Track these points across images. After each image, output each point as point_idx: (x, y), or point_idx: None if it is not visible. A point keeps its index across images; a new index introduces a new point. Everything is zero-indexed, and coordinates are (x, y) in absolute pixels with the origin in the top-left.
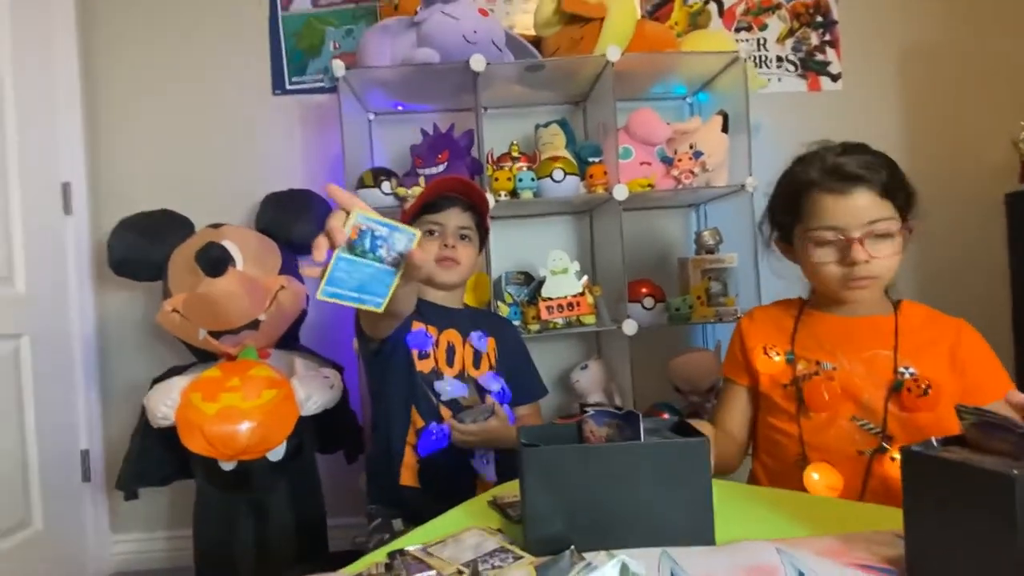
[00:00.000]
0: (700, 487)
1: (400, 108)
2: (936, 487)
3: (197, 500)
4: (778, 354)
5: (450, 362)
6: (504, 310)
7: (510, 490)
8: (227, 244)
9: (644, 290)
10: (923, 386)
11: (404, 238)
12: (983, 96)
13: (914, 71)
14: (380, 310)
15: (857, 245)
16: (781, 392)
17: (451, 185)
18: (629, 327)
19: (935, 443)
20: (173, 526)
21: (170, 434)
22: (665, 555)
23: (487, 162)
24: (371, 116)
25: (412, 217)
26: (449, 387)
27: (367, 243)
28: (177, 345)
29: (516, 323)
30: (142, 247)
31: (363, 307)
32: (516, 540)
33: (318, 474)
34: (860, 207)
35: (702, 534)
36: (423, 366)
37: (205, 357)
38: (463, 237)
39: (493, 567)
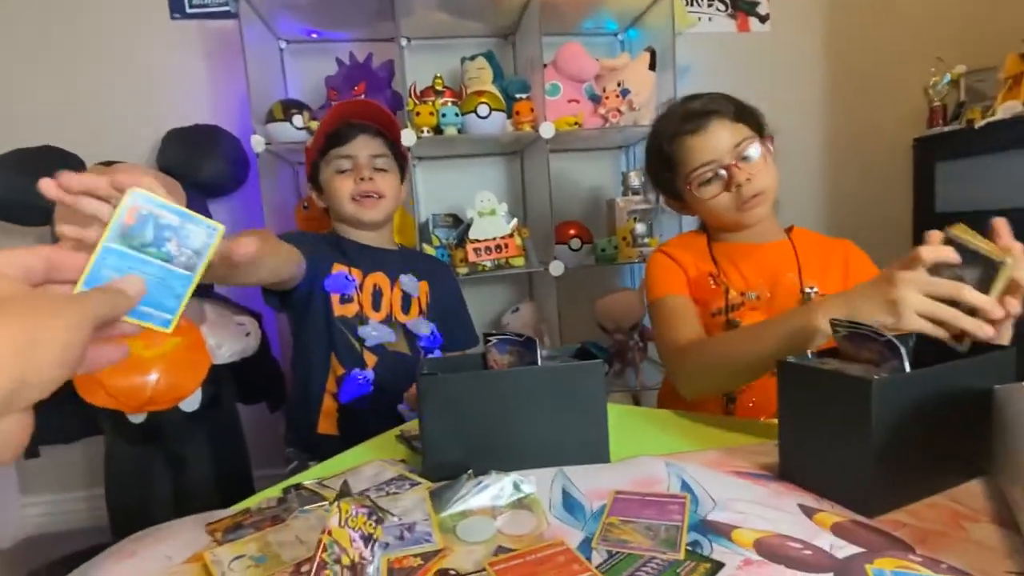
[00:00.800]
0: (596, 408)
1: (314, 36)
2: (807, 394)
3: (107, 456)
4: (715, 283)
5: (376, 306)
6: (431, 252)
7: (414, 427)
8: None
9: (572, 232)
10: None
11: (202, 233)
12: (901, 43)
13: (838, 16)
14: (168, 331)
15: (734, 168)
16: (711, 320)
17: (353, 109)
18: (556, 268)
19: (809, 355)
20: (89, 485)
21: (66, 392)
22: (560, 473)
23: (409, 96)
24: (282, 44)
25: (317, 153)
26: (375, 332)
27: (149, 233)
28: None
29: None
30: (22, 187)
31: (143, 324)
32: (417, 469)
33: (240, 425)
34: (721, 136)
35: (598, 453)
36: (345, 310)
37: None
38: (379, 168)
39: (388, 494)
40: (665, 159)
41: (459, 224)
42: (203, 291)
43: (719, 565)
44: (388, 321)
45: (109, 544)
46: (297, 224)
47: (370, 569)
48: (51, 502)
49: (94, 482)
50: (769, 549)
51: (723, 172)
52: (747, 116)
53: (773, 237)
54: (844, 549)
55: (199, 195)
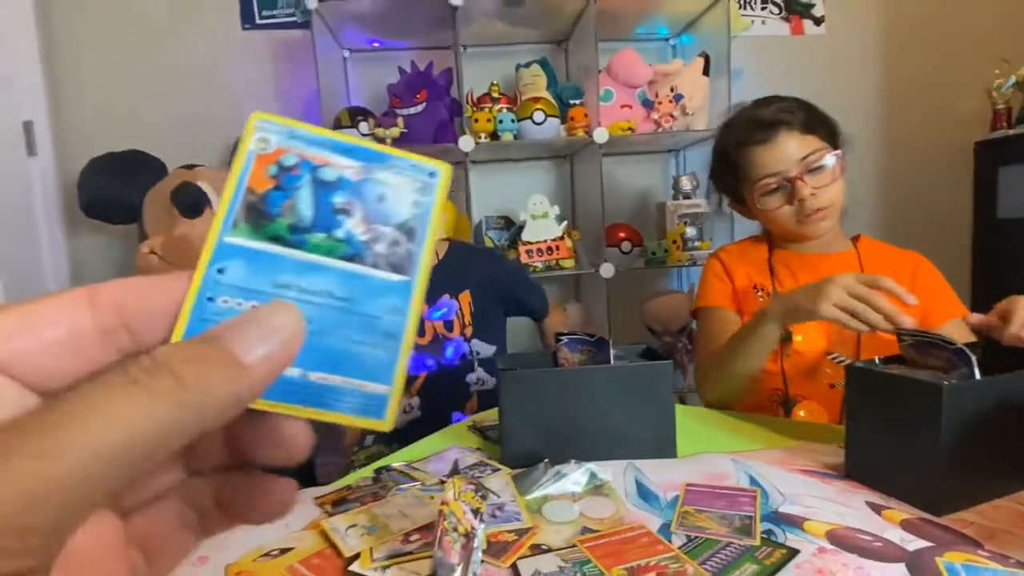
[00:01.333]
0: (664, 406)
1: (376, 45)
2: (875, 398)
3: None
4: (765, 294)
5: (420, 331)
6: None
7: (489, 416)
8: (202, 185)
9: (622, 234)
10: None
11: (412, 183)
12: (961, 45)
13: (896, 18)
14: (384, 422)
15: (799, 182)
16: None
17: None
18: (607, 270)
19: (877, 361)
20: None
21: None
22: (631, 465)
23: (467, 103)
24: (346, 53)
25: None
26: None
27: (306, 200)
28: None
29: None
30: (114, 187)
31: (322, 415)
32: (494, 457)
33: None
34: (788, 147)
35: (665, 448)
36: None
37: None
38: None
39: (474, 477)
40: (731, 165)
41: (511, 226)
42: None
43: (795, 552)
44: (435, 340)
45: None
46: None
47: (477, 540)
48: None
49: None
50: (841, 539)
51: (787, 184)
52: (818, 126)
53: (837, 247)
54: (914, 543)
55: None
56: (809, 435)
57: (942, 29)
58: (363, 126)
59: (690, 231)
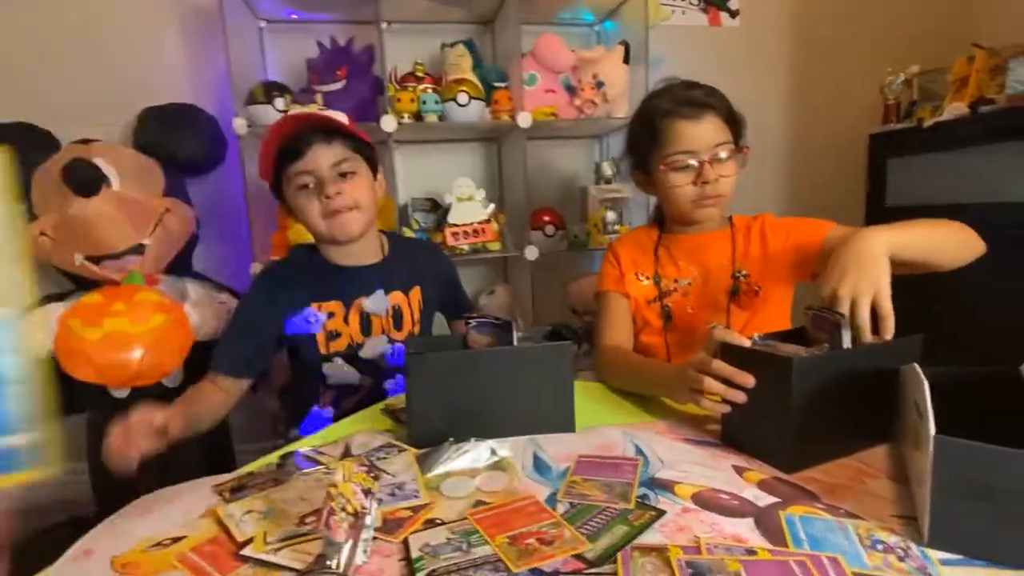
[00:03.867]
0: (564, 384)
1: (294, 17)
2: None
3: (90, 433)
4: (646, 278)
5: (366, 331)
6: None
7: (401, 400)
8: (99, 162)
9: (546, 218)
10: (755, 287)
11: None
12: (860, 44)
13: (803, 16)
14: (50, 469)
15: (707, 166)
16: (648, 309)
17: (295, 124)
18: (531, 253)
19: (757, 338)
20: (66, 460)
21: (49, 369)
22: (531, 441)
23: (389, 81)
24: (262, 24)
25: (273, 172)
26: (335, 372)
27: None
28: (52, 272)
29: None
30: None
31: None
32: (402, 438)
33: None
34: (709, 131)
35: (564, 424)
36: (337, 346)
37: (85, 285)
38: (344, 174)
39: (379, 459)
40: (651, 132)
41: (437, 208)
42: (184, 269)
43: (662, 512)
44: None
45: (92, 515)
46: (278, 211)
47: (368, 519)
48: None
49: (71, 457)
50: (704, 500)
51: (696, 165)
52: (734, 121)
53: (715, 227)
54: (764, 499)
55: (176, 174)
56: (694, 409)
57: (843, 29)
58: (279, 102)
59: (610, 215)
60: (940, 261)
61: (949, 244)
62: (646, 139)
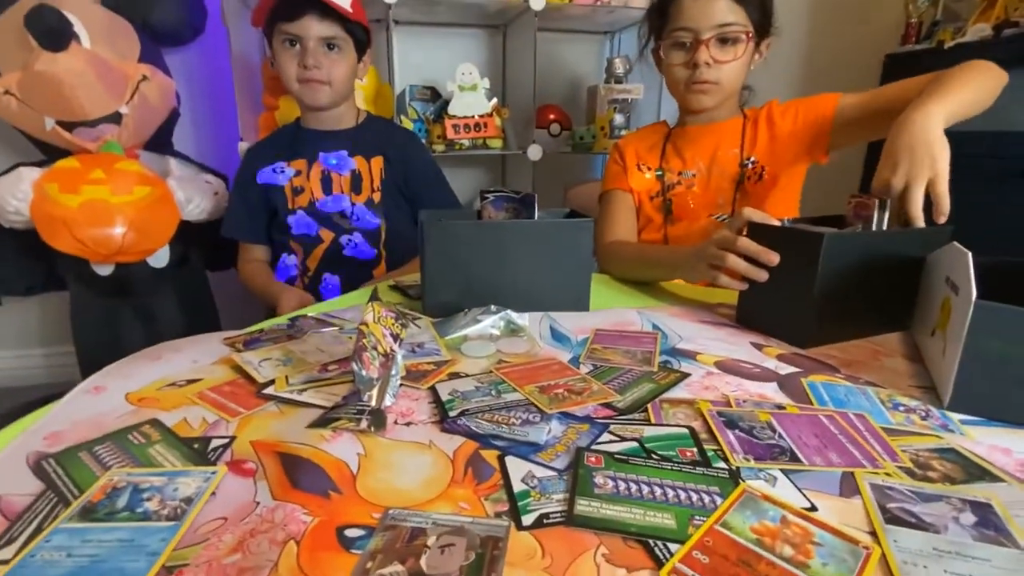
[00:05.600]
0: (582, 262)
1: None
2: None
3: (74, 308)
4: (649, 170)
5: (327, 189)
6: (408, 126)
7: (410, 276)
8: (66, 13)
9: (552, 116)
10: (758, 171)
11: (195, 481)
12: None
13: None
14: None
15: (702, 47)
16: (650, 204)
17: None
18: (534, 152)
19: (786, 221)
20: (48, 343)
21: (26, 239)
22: (546, 316)
23: None
24: None
25: (266, 25)
26: (296, 222)
27: (123, 501)
28: (19, 140)
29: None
30: None
31: None
32: (416, 310)
33: (208, 287)
34: (715, 9)
35: (579, 302)
36: (300, 201)
37: (57, 155)
38: (330, 47)
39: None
40: (661, 6)
41: (437, 98)
42: (165, 147)
43: (686, 374)
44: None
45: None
46: (264, 83)
47: (398, 358)
48: (11, 357)
49: (51, 340)
50: (727, 367)
51: (693, 44)
52: (756, 6)
53: (726, 117)
54: (786, 369)
55: (151, 42)
56: (700, 296)
57: None
58: None
59: (619, 118)
60: (981, 110)
61: (985, 91)
62: (658, 13)
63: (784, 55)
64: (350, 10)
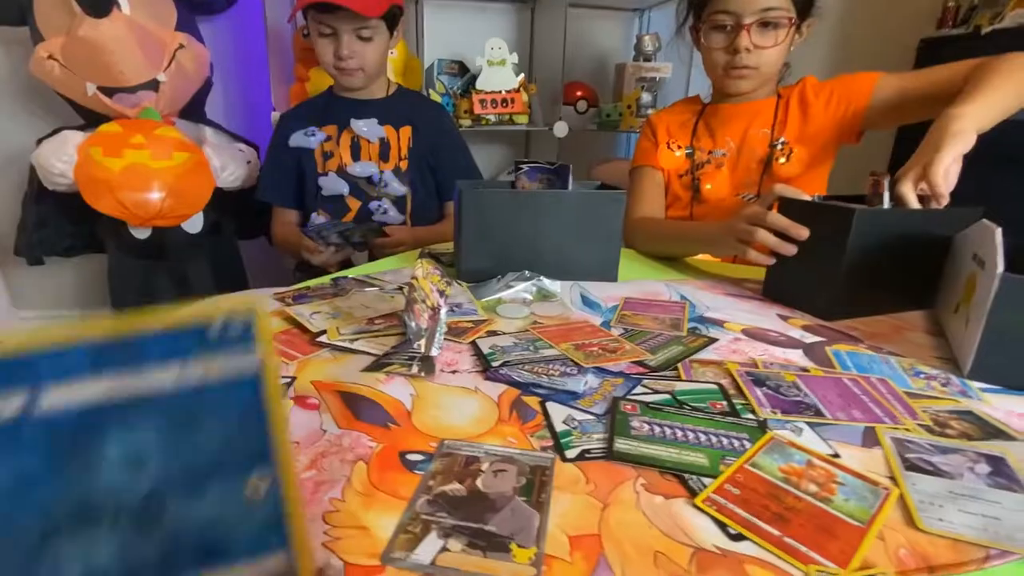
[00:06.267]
0: (612, 233)
1: None
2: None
3: (112, 269)
4: (679, 148)
5: (356, 156)
6: (436, 99)
7: (442, 244)
8: None
9: (579, 93)
10: (786, 152)
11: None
12: None
13: None
14: None
15: (744, 32)
16: (678, 182)
17: None
18: (560, 129)
19: (816, 198)
20: (81, 304)
21: (69, 201)
22: (576, 284)
23: None
24: None
25: (302, 9)
26: (328, 184)
27: None
28: (60, 105)
29: None
30: None
31: None
32: (449, 275)
33: (240, 255)
34: None
35: (608, 272)
36: (330, 165)
37: (97, 121)
38: (362, 38)
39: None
40: None
41: (465, 73)
42: (199, 116)
43: (714, 339)
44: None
45: None
46: (295, 54)
47: (443, 313)
48: (43, 317)
49: (84, 301)
50: (754, 334)
51: (730, 28)
52: None
53: (762, 97)
54: (810, 338)
55: (187, 10)
56: (727, 271)
57: None
58: None
59: (646, 97)
60: (1017, 109)
61: (1021, 92)
62: None
63: (818, 38)
64: (384, 6)
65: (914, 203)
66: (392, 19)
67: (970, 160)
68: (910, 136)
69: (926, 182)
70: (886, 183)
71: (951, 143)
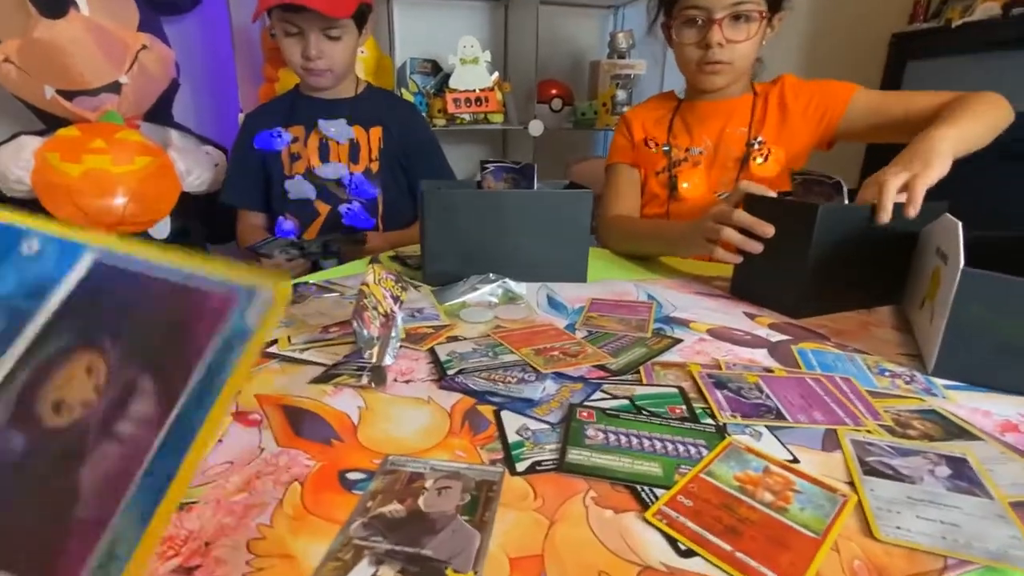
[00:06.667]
0: (580, 233)
1: None
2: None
3: None
4: (656, 145)
5: (324, 158)
6: (408, 99)
7: (410, 247)
8: None
9: (554, 91)
10: (764, 153)
11: None
12: None
13: None
14: None
15: (716, 27)
16: (655, 180)
17: None
18: (535, 128)
19: (774, 194)
20: None
21: (28, 209)
22: (544, 285)
23: None
24: None
25: (268, 7)
26: (294, 187)
27: None
28: (19, 109)
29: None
30: None
31: None
32: (416, 279)
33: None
34: None
35: (576, 273)
36: (297, 168)
37: (58, 125)
38: (331, 37)
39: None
40: None
41: (438, 72)
42: (165, 118)
43: (679, 340)
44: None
45: None
46: (264, 54)
47: (398, 319)
48: None
49: None
50: (719, 334)
51: (706, 23)
52: None
53: (737, 94)
54: (776, 337)
55: (150, 10)
56: (698, 270)
57: None
58: None
59: (621, 94)
60: (985, 144)
61: (994, 129)
62: None
63: (790, 33)
64: (353, 6)
65: (889, 205)
66: (361, 17)
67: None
68: (882, 147)
69: (908, 191)
70: (834, 187)
71: (939, 163)
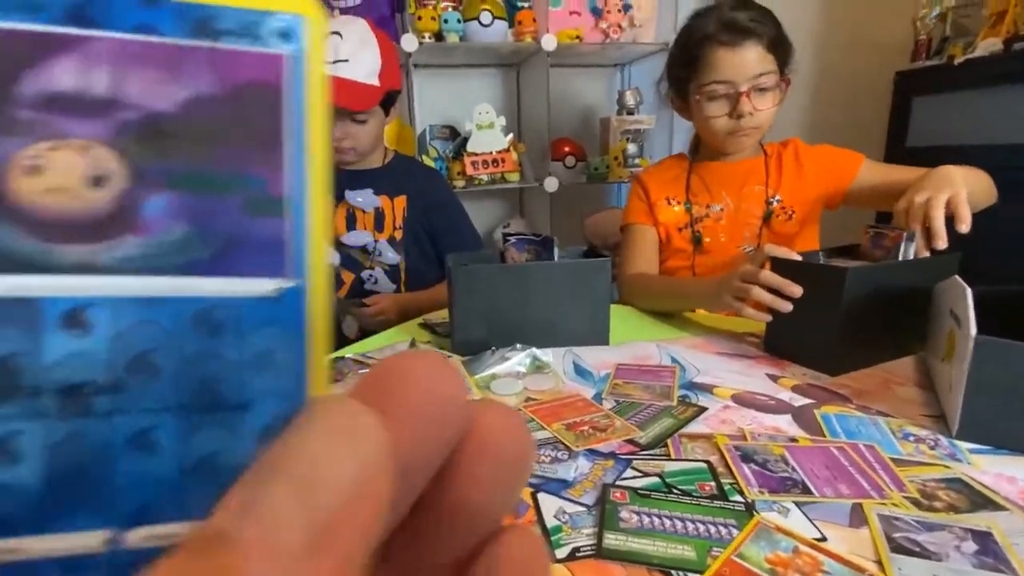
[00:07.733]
0: (600, 299)
1: None
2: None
3: None
4: (677, 203)
5: (351, 226)
6: (429, 164)
7: (439, 314)
8: None
9: (566, 149)
10: (788, 212)
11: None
12: None
13: None
14: None
15: (744, 98)
16: (678, 235)
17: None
18: (551, 184)
19: (821, 255)
20: None
21: None
22: (569, 351)
23: None
24: None
25: None
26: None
27: None
28: None
29: None
30: None
31: None
32: (444, 348)
33: None
34: (749, 61)
35: (600, 336)
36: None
37: None
38: (357, 121)
39: None
40: (689, 58)
41: (456, 136)
42: None
43: (704, 408)
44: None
45: None
46: None
47: None
48: None
49: None
50: (743, 400)
51: (732, 96)
52: (779, 47)
53: (749, 155)
54: (800, 400)
55: None
56: (725, 325)
57: None
58: None
59: (631, 148)
60: (977, 207)
61: (986, 194)
62: (684, 64)
63: (795, 77)
64: (378, 96)
65: (943, 232)
66: (389, 100)
67: None
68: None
69: (954, 211)
70: (905, 236)
71: (961, 187)
